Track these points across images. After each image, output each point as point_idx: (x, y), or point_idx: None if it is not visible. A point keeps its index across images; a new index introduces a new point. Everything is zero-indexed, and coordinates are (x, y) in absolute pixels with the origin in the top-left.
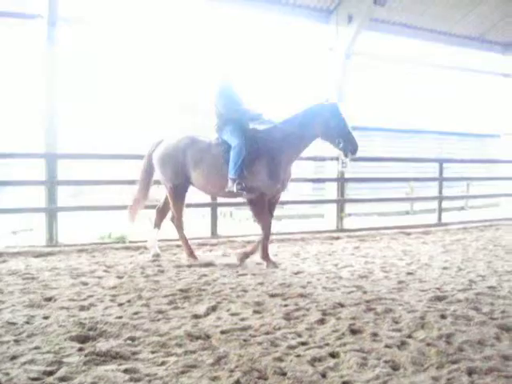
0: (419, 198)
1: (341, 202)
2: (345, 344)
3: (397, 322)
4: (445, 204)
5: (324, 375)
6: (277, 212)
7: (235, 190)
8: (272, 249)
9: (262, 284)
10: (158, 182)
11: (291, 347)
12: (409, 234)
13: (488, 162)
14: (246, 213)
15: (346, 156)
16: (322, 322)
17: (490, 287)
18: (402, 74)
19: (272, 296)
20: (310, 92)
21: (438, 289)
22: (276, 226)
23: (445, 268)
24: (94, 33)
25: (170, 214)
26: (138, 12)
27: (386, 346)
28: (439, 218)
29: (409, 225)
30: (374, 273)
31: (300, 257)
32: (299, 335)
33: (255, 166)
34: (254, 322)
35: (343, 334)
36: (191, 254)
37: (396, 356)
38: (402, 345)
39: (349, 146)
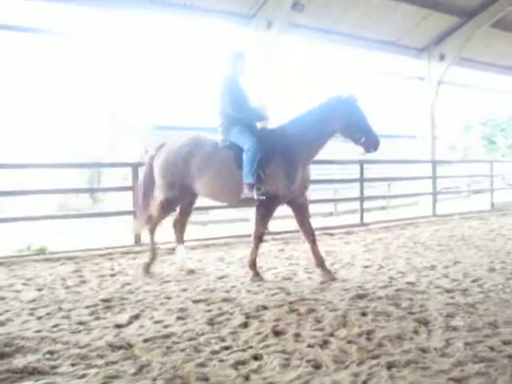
0: (342, 199)
1: None
2: (268, 346)
3: (319, 322)
4: (367, 204)
5: (247, 378)
6: (202, 218)
7: (256, 197)
8: (195, 255)
9: (185, 290)
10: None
11: (214, 352)
12: (332, 234)
13: (406, 163)
14: (170, 219)
15: (367, 152)
16: (245, 325)
17: (409, 283)
18: (322, 77)
19: (196, 302)
20: None
21: (359, 287)
22: (199, 233)
23: (366, 266)
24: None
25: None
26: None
27: (309, 346)
28: (361, 218)
29: (332, 226)
30: (297, 274)
31: (224, 261)
32: (223, 340)
33: (270, 167)
34: (177, 328)
35: (266, 336)
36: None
37: (318, 355)
38: (324, 344)
39: (371, 142)
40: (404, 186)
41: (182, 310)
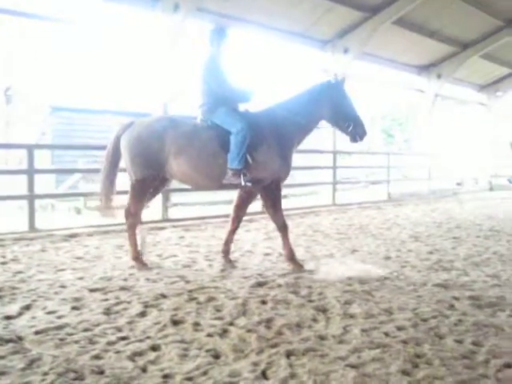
0: None
1: (166, 192)
2: (166, 336)
3: (219, 310)
4: None
5: (144, 370)
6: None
7: (243, 183)
8: (92, 242)
9: (81, 279)
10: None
11: (110, 343)
12: None
13: (308, 152)
14: (69, 205)
15: (354, 141)
16: (143, 314)
17: (308, 271)
18: (232, 65)
19: (92, 291)
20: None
21: (259, 275)
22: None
23: (266, 254)
24: None
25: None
26: None
27: (208, 335)
28: (262, 206)
29: None
30: (197, 262)
31: (123, 249)
32: (119, 330)
33: (262, 152)
34: (71, 319)
35: (165, 325)
36: (137, 258)
37: (217, 344)
38: (224, 333)
39: (358, 131)
40: (305, 174)
41: (77, 299)
